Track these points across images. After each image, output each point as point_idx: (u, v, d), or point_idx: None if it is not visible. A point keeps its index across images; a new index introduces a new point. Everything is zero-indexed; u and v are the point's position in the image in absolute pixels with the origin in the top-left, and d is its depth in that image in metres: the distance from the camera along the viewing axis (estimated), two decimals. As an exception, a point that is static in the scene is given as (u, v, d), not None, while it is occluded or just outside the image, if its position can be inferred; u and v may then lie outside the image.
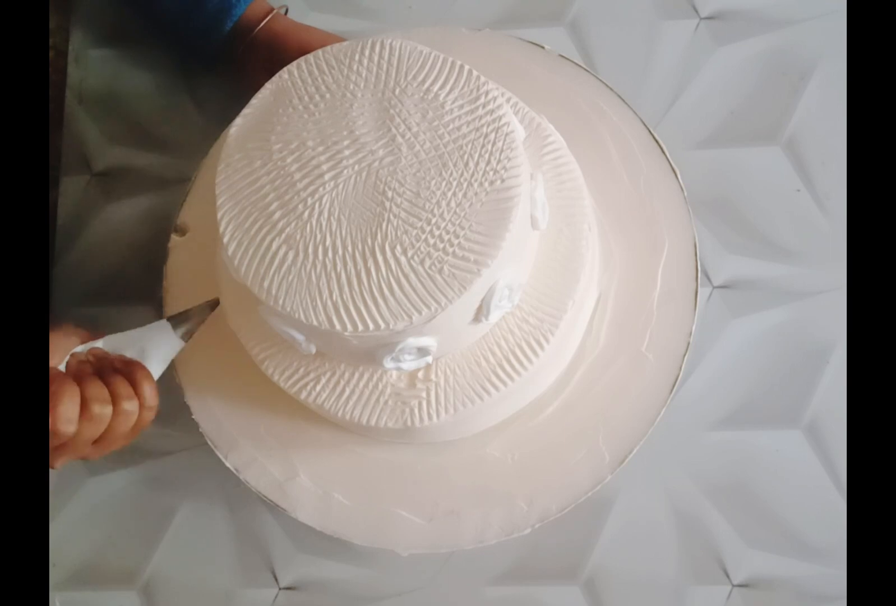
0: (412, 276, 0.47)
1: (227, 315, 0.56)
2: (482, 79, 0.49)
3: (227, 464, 0.62)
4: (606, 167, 0.62)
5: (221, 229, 0.49)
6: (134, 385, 0.51)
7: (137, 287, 0.71)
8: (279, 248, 0.48)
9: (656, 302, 0.61)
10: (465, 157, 0.48)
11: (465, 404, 0.53)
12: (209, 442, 0.62)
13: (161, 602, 0.67)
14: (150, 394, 0.52)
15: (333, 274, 0.47)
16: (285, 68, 0.51)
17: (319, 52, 0.51)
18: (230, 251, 0.49)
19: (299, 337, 0.50)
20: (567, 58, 0.65)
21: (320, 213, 0.48)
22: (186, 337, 0.55)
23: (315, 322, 0.47)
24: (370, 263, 0.47)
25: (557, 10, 0.73)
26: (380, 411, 0.54)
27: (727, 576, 0.64)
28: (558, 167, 0.55)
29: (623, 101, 0.63)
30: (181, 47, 0.71)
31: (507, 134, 0.48)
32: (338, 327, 0.47)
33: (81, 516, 0.69)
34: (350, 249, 0.47)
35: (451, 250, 0.47)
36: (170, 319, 0.55)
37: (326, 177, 0.48)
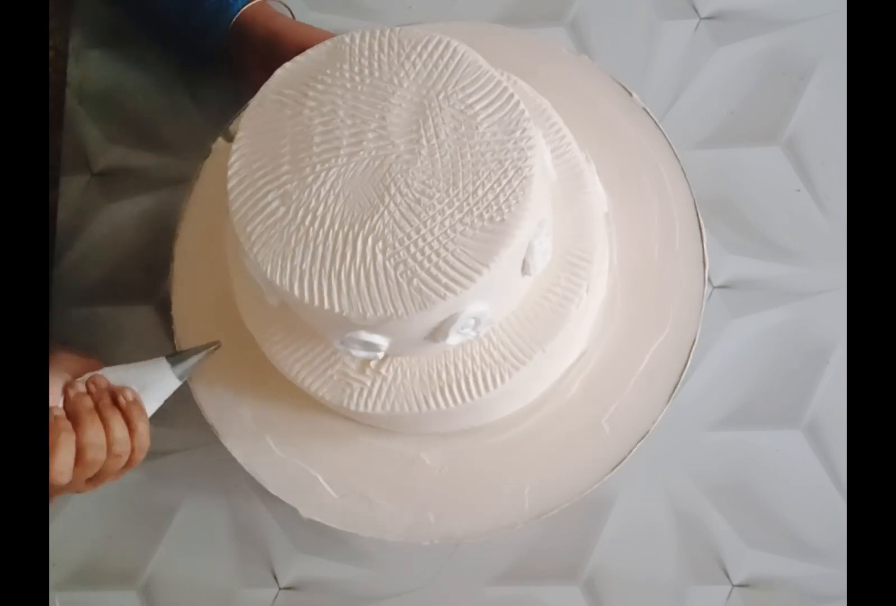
0: (381, 275, 0.47)
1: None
2: (525, 114, 0.48)
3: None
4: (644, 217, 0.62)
5: (231, 160, 0.49)
6: (129, 427, 0.51)
7: (137, 287, 0.71)
8: (273, 200, 0.48)
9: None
10: (477, 183, 0.47)
11: (403, 407, 0.53)
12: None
13: (161, 602, 0.67)
14: (144, 438, 0.52)
15: (311, 244, 0.47)
16: (350, 33, 0.51)
17: (388, 29, 0.51)
18: (230, 185, 0.49)
19: (265, 286, 0.50)
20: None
21: (323, 182, 0.48)
22: (183, 377, 0.55)
23: (277, 282, 0.47)
24: (348, 248, 0.47)
25: (557, 10, 0.73)
26: (322, 382, 0.54)
27: (727, 576, 0.64)
28: (582, 215, 0.55)
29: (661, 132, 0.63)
30: (179, 47, 0.71)
31: (525, 177, 0.47)
32: (296, 293, 0.47)
33: (81, 516, 0.69)
34: (336, 227, 0.47)
35: (427, 265, 0.46)
36: (168, 357, 0.54)
37: (342, 151, 0.48)
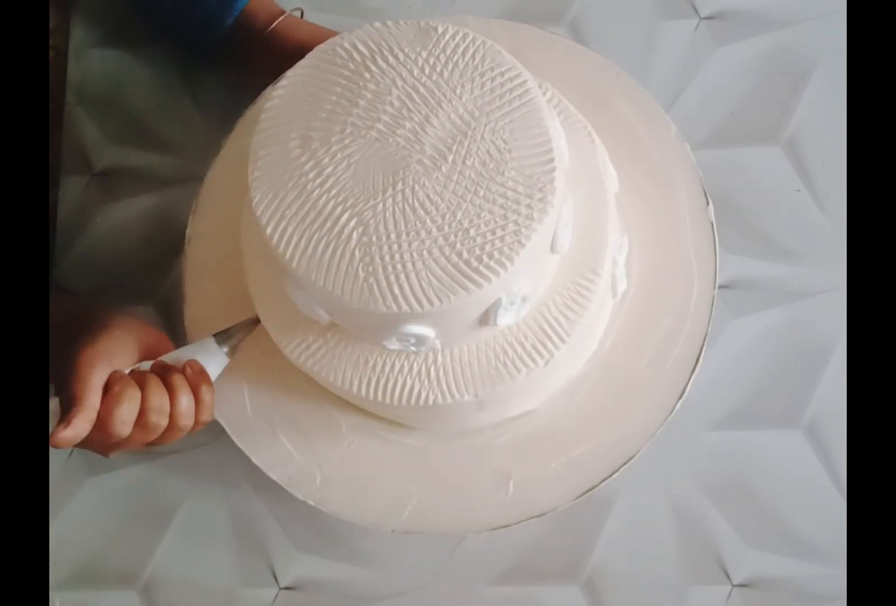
0: (346, 258, 0.47)
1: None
2: (556, 183, 0.47)
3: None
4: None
5: (276, 91, 0.50)
6: (196, 400, 0.52)
7: (137, 287, 0.71)
8: (294, 139, 0.48)
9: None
10: (474, 224, 0.47)
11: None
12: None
13: (161, 602, 0.67)
14: (208, 412, 0.53)
15: (304, 196, 0.48)
16: (447, 26, 0.50)
17: (484, 42, 0.50)
18: (255, 140, 0.49)
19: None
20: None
21: (344, 147, 0.48)
22: (231, 353, 0.55)
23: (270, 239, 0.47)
24: (331, 217, 0.48)
25: (557, 10, 0.73)
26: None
27: (727, 576, 0.64)
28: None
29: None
30: (182, 43, 0.71)
31: (519, 243, 0.46)
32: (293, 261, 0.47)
33: (81, 516, 0.69)
34: (331, 193, 0.47)
35: (388, 270, 0.47)
36: (215, 336, 0.55)
37: (375, 129, 0.48)
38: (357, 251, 0.47)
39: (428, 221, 0.47)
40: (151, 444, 0.53)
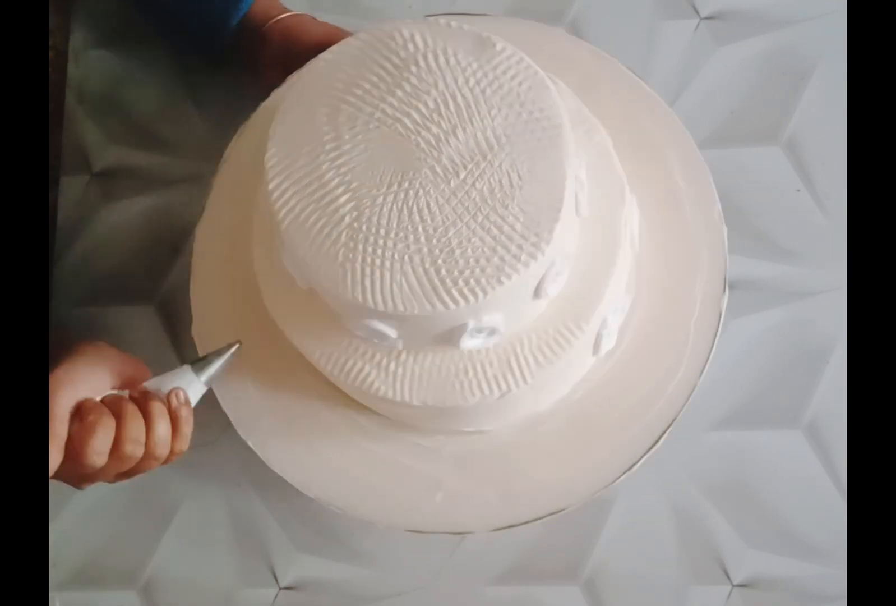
0: (325, 245, 0.47)
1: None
2: (556, 232, 0.47)
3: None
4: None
5: (307, 73, 0.50)
6: (174, 427, 0.50)
7: (137, 287, 0.71)
8: (321, 114, 0.49)
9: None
10: (462, 249, 0.46)
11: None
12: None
13: (161, 602, 0.67)
14: (185, 442, 0.51)
15: (314, 164, 0.48)
16: (502, 45, 0.49)
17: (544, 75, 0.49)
18: (290, 95, 0.50)
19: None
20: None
21: (367, 131, 0.48)
22: (209, 383, 0.53)
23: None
24: (328, 195, 0.48)
25: (557, 10, 0.73)
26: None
27: (727, 576, 0.64)
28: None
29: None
30: (187, 43, 0.71)
31: (500, 283, 0.46)
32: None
33: (81, 516, 0.69)
34: (340, 170, 0.48)
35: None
36: (192, 365, 0.53)
37: (402, 123, 0.48)
38: (344, 234, 0.47)
39: (420, 228, 0.47)
40: (123, 475, 0.51)
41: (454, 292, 0.46)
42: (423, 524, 0.59)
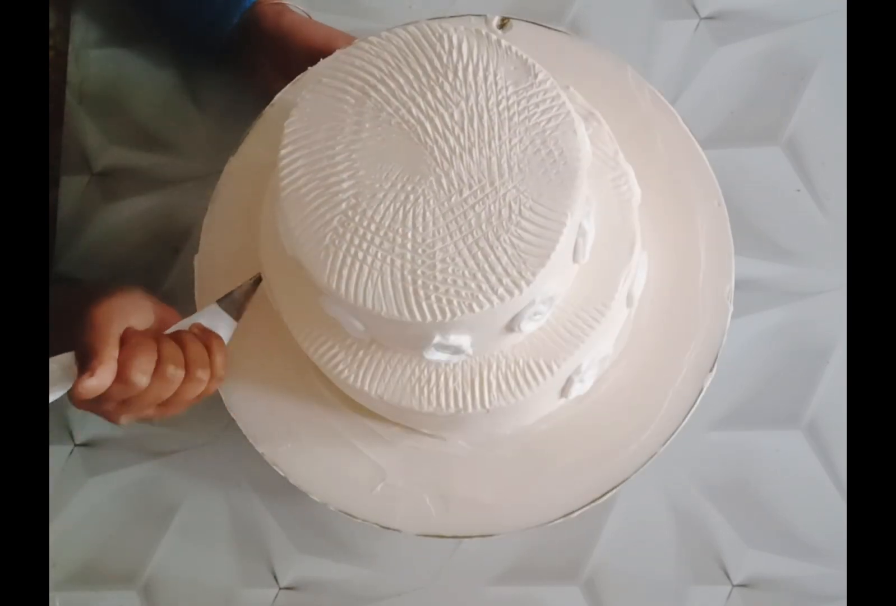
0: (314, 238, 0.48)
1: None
2: (549, 268, 0.46)
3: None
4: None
5: (354, 49, 0.50)
6: (209, 354, 0.53)
7: (137, 287, 0.71)
8: (343, 102, 0.49)
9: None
10: (453, 265, 0.46)
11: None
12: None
13: (161, 602, 0.67)
14: (221, 365, 0.53)
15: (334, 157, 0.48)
16: (545, 80, 0.49)
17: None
18: (329, 65, 0.50)
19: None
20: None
21: (387, 124, 0.48)
22: (237, 317, 0.55)
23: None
24: (333, 186, 0.48)
25: (557, 10, 0.73)
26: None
27: (727, 576, 0.64)
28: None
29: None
30: (187, 43, 0.71)
31: (479, 306, 0.46)
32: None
33: (81, 516, 0.69)
34: (352, 160, 0.48)
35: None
36: (219, 302, 0.55)
37: (423, 127, 0.48)
38: (336, 219, 0.47)
39: (410, 233, 0.47)
40: (166, 406, 0.52)
41: (424, 305, 0.46)
42: (356, 509, 0.59)
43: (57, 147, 0.74)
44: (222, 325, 0.55)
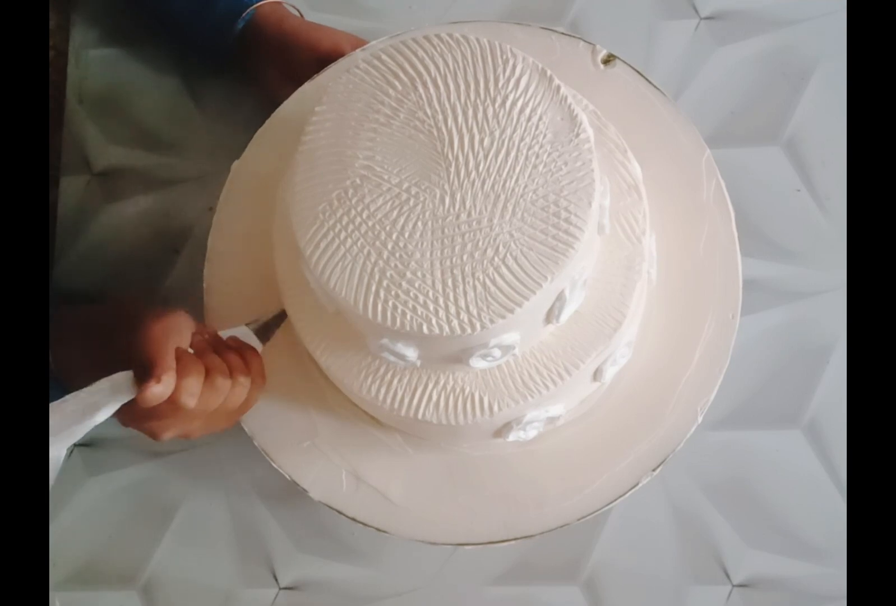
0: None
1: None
2: (502, 321, 0.47)
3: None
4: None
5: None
6: (245, 362, 0.54)
7: (138, 287, 0.71)
8: (363, 103, 0.49)
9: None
10: (424, 287, 0.46)
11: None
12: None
13: (161, 602, 0.67)
14: (260, 371, 0.55)
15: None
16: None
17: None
18: (341, 80, 0.50)
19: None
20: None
21: (403, 130, 0.48)
22: (263, 341, 0.56)
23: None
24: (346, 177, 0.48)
25: (557, 10, 0.73)
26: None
27: (727, 576, 0.64)
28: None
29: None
30: (190, 48, 0.71)
31: (431, 329, 0.46)
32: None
33: (81, 516, 0.69)
34: (376, 158, 0.48)
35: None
36: (248, 325, 0.56)
37: (442, 143, 0.48)
38: (336, 193, 0.48)
39: (394, 235, 0.47)
40: (210, 422, 0.54)
41: (379, 305, 0.46)
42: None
43: (57, 147, 0.74)
44: (252, 344, 0.56)
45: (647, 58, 0.71)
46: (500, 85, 0.48)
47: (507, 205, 0.47)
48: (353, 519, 0.59)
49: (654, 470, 0.58)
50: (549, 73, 0.49)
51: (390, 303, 0.46)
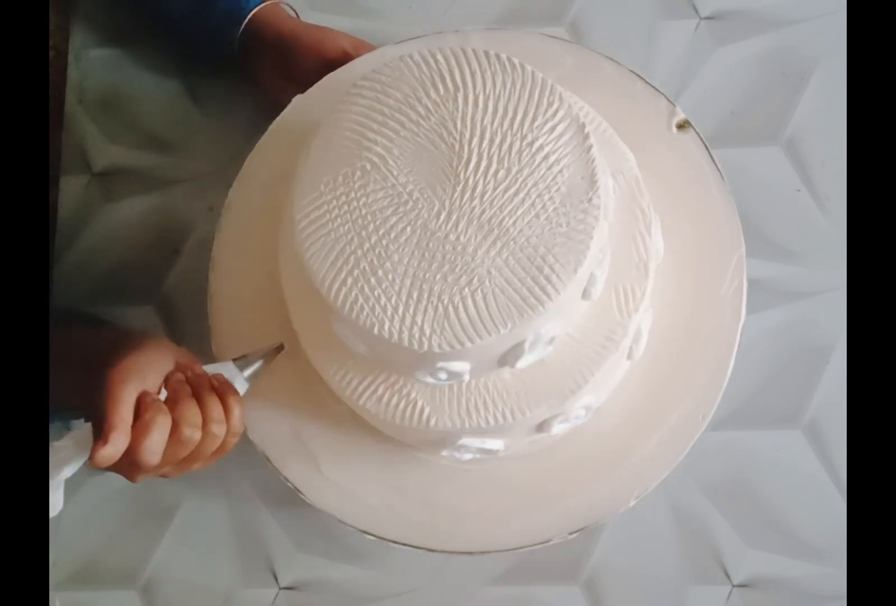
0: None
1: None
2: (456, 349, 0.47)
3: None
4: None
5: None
6: (225, 409, 0.51)
7: (137, 287, 0.71)
8: (382, 118, 0.49)
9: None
10: (406, 284, 0.47)
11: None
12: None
13: (161, 602, 0.67)
14: (238, 421, 0.52)
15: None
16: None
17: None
18: (385, 70, 0.50)
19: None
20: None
21: (427, 134, 0.48)
22: (250, 379, 0.54)
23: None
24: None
25: (557, 10, 0.73)
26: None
27: (727, 576, 0.64)
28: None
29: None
30: (190, 48, 0.71)
31: (388, 333, 0.47)
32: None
33: (81, 516, 0.69)
34: (392, 172, 0.48)
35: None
36: (235, 361, 0.54)
37: (461, 153, 0.48)
38: (343, 173, 0.48)
39: (381, 230, 0.47)
40: (182, 466, 0.51)
41: (343, 290, 0.47)
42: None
43: (57, 147, 0.74)
44: (237, 383, 0.53)
45: (647, 58, 0.71)
46: (535, 124, 0.48)
47: (497, 242, 0.47)
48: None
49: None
50: (586, 129, 0.48)
51: (353, 293, 0.47)
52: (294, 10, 0.69)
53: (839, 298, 0.66)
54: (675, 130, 0.60)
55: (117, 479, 0.68)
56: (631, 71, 0.61)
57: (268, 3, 0.67)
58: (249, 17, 0.67)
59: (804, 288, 0.67)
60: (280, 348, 0.55)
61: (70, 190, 0.74)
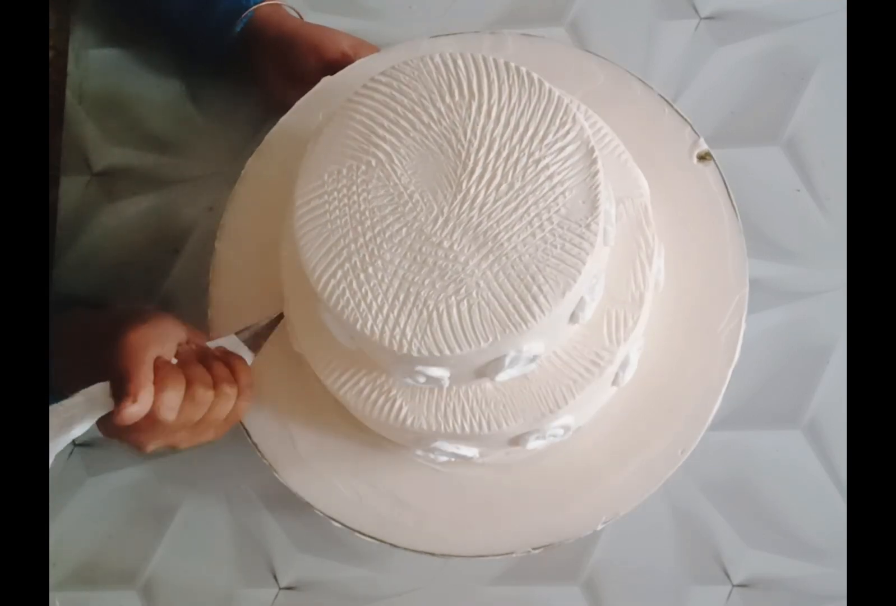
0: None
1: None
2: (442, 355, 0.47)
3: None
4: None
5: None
6: (233, 373, 0.53)
7: (137, 287, 0.71)
8: (385, 118, 0.49)
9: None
10: (394, 281, 0.47)
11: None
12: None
13: (161, 602, 0.67)
14: (247, 382, 0.54)
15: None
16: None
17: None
18: (403, 69, 0.50)
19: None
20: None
21: (437, 137, 0.48)
22: (255, 350, 0.56)
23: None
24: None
25: (557, 10, 0.73)
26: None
27: (727, 576, 0.64)
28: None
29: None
30: (190, 48, 0.71)
31: (370, 330, 0.47)
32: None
33: (81, 516, 0.69)
34: (393, 177, 0.48)
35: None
36: (238, 334, 0.56)
37: (466, 162, 0.48)
38: (348, 166, 0.48)
39: (377, 228, 0.47)
40: (196, 432, 0.53)
41: (331, 282, 0.47)
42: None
43: (57, 147, 0.74)
44: (242, 353, 0.55)
45: (647, 58, 0.71)
46: (545, 142, 0.48)
47: (489, 255, 0.46)
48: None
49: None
50: (595, 154, 0.47)
51: (341, 287, 0.47)
52: (297, 12, 0.69)
53: (839, 298, 0.66)
54: (695, 160, 0.60)
55: (117, 479, 0.69)
56: (660, 96, 0.60)
57: (269, 3, 0.67)
58: (249, 16, 0.67)
59: (804, 288, 0.67)
60: (280, 317, 0.56)
61: (70, 190, 0.74)
